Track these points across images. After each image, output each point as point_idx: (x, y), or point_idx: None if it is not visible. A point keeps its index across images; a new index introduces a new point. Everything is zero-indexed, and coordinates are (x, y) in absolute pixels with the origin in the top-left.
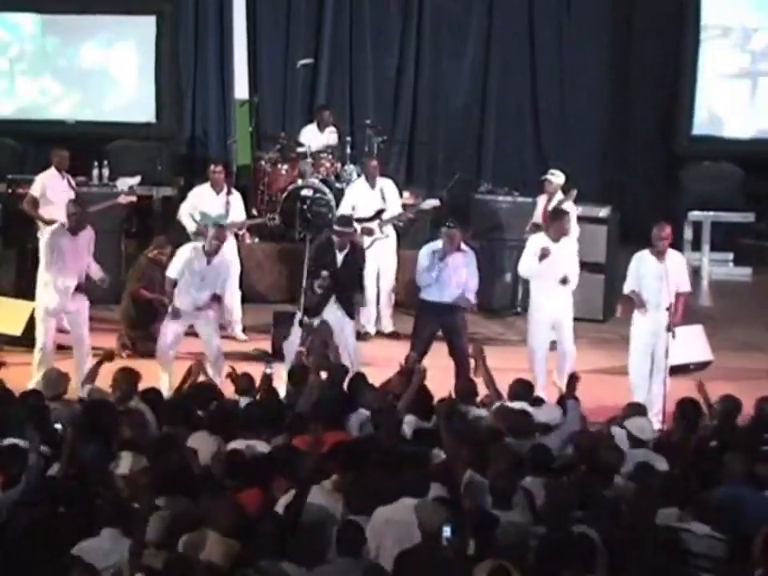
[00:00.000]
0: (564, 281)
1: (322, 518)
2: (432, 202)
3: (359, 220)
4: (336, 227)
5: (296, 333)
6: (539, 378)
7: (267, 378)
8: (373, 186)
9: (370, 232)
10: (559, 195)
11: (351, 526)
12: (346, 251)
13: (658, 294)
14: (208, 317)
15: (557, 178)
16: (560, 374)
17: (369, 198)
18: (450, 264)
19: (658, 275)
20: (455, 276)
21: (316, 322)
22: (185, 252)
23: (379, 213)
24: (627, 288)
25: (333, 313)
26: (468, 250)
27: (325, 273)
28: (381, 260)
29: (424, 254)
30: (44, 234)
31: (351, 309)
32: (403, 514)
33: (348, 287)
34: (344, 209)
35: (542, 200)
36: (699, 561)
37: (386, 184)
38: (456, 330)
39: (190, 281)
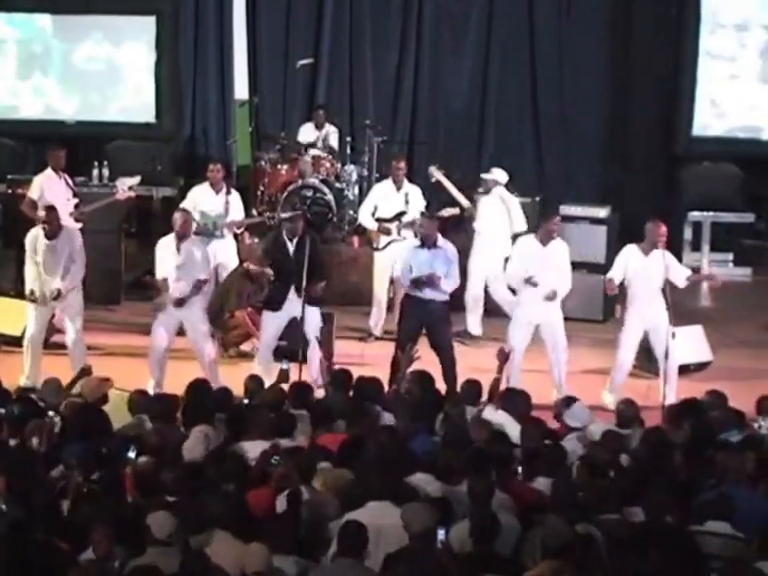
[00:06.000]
0: (550, 297)
1: (320, 514)
2: (451, 211)
3: (379, 220)
4: (282, 214)
5: (269, 328)
6: (512, 378)
7: (284, 374)
8: (398, 188)
9: (387, 231)
10: (498, 191)
11: (354, 526)
12: (297, 239)
13: (647, 289)
14: (194, 308)
15: (490, 174)
16: (560, 371)
17: (392, 200)
18: (427, 260)
19: (645, 269)
20: (433, 271)
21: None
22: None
23: (400, 215)
24: (609, 275)
25: (294, 304)
26: (447, 246)
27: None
28: (396, 263)
29: (406, 254)
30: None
31: (314, 296)
32: (391, 519)
33: (306, 274)
34: (366, 208)
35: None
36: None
37: (413, 190)
38: (435, 326)
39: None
